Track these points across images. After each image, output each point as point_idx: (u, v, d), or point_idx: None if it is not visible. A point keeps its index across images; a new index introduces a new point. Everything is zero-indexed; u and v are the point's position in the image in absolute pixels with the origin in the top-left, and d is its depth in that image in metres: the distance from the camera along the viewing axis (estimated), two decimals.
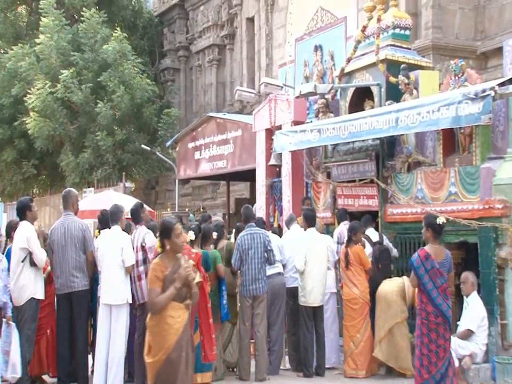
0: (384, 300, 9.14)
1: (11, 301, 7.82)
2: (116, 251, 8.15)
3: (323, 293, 9.46)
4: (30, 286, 8.02)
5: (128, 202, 15.75)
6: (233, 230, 10.42)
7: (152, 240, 8.44)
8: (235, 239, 9.79)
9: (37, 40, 22.45)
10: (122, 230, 8.52)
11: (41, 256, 8.06)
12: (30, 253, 8.01)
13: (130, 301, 8.27)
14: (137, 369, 8.28)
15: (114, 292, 8.12)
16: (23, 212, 8.28)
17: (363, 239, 9.75)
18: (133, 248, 8.48)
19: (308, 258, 9.34)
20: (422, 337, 7.25)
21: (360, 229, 9.45)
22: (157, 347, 5.61)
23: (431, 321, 7.17)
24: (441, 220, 7.36)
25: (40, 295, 8.17)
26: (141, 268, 8.39)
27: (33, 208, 8.39)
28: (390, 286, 9.20)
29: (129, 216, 9.03)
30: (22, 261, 7.99)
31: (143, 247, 8.45)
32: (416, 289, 7.65)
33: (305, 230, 9.77)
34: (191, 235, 8.52)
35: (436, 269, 7.16)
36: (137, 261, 8.43)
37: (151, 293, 5.63)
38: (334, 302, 10.05)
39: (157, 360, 5.62)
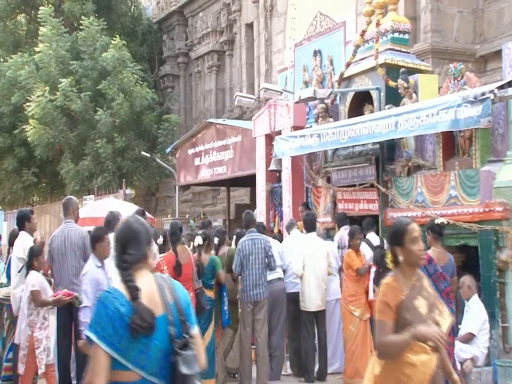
0: None
1: None
2: (112, 258, 8.12)
3: (323, 298, 9.44)
4: None
5: (128, 209, 15.75)
6: (234, 237, 10.41)
7: (152, 248, 8.40)
8: (235, 246, 9.79)
9: (36, 49, 22.48)
10: None
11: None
12: None
13: None
14: None
15: None
16: (23, 223, 8.28)
17: (364, 243, 9.74)
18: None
19: (305, 263, 9.34)
20: None
21: (357, 234, 9.39)
22: None
23: None
24: (439, 220, 7.39)
25: None
26: None
27: (32, 220, 8.39)
28: None
29: None
30: (19, 271, 7.98)
31: None
32: None
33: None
34: (198, 240, 8.53)
35: (439, 273, 7.16)
36: None
37: (380, 328, 4.00)
38: (340, 308, 9.98)
39: None
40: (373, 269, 9.21)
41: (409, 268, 4.12)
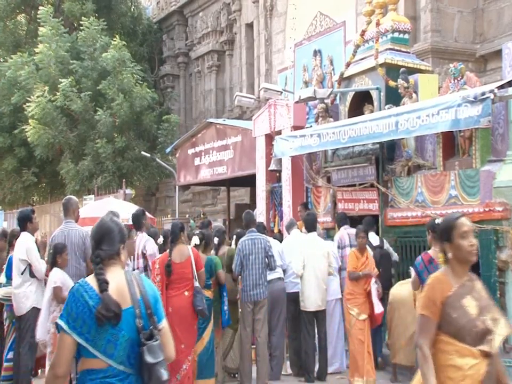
0: (405, 306, 9.02)
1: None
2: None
3: (323, 298, 9.43)
4: (32, 296, 7.97)
5: (128, 209, 15.74)
6: (234, 237, 10.41)
7: (152, 247, 8.41)
8: (235, 246, 9.78)
9: (36, 50, 22.47)
10: None
11: (40, 268, 8.00)
12: (30, 265, 7.99)
13: None
14: None
15: None
16: (24, 223, 8.24)
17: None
18: (134, 255, 8.46)
19: (306, 263, 9.33)
20: None
21: (359, 233, 9.26)
22: None
23: None
24: (439, 220, 7.39)
25: (41, 304, 8.14)
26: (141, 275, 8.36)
27: (34, 220, 8.35)
28: (407, 291, 9.05)
29: (129, 223, 9.00)
30: (22, 273, 7.97)
31: (143, 254, 8.43)
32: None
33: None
34: (195, 240, 8.51)
35: None
36: (138, 268, 8.40)
37: (422, 323, 3.83)
38: (340, 308, 9.97)
39: None
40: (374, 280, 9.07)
41: (459, 265, 3.88)
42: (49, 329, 7.44)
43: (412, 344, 8.97)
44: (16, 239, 8.38)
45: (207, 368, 8.36)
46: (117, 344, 3.37)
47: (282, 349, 9.75)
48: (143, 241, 8.54)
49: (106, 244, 3.55)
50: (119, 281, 3.48)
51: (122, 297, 3.42)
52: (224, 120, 17.60)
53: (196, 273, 8.10)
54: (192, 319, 7.94)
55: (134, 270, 8.47)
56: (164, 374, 3.42)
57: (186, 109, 26.94)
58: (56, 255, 7.62)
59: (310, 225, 9.75)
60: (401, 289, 9.21)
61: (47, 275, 8.43)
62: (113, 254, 3.57)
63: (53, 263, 7.64)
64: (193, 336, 7.97)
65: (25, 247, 7.97)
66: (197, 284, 8.05)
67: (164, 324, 3.56)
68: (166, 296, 7.75)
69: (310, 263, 9.34)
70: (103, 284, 3.39)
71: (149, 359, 3.37)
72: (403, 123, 9.00)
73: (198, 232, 9.11)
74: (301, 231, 10.28)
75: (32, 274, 7.98)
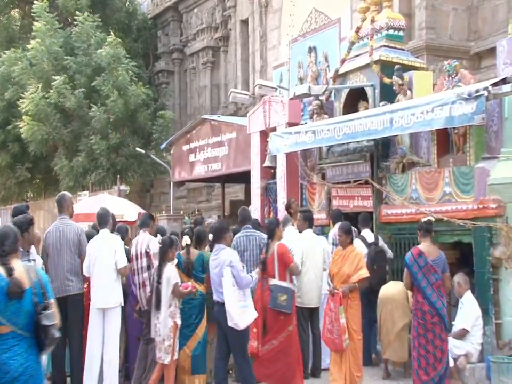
0: (393, 302, 9.05)
1: None
2: (109, 254, 8.11)
3: (318, 295, 9.43)
4: None
5: (122, 206, 15.72)
6: None
7: (156, 246, 8.43)
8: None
9: (29, 46, 22.39)
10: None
11: (39, 263, 7.99)
12: (29, 261, 7.96)
13: (123, 304, 8.27)
14: (137, 372, 8.26)
15: (107, 295, 8.08)
16: None
17: (358, 240, 9.72)
18: (138, 254, 8.43)
19: (304, 259, 9.32)
20: (418, 338, 7.29)
21: (339, 230, 9.10)
22: None
23: (427, 321, 7.21)
24: (426, 218, 7.57)
25: None
26: (145, 274, 8.33)
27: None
28: (396, 288, 9.09)
29: (124, 220, 8.99)
30: None
31: (147, 253, 8.39)
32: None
33: (300, 231, 9.77)
34: (186, 240, 8.49)
35: (430, 265, 7.24)
36: (141, 267, 8.36)
37: None
38: None
39: None
40: None
41: None
42: (166, 324, 7.67)
43: (400, 339, 9.02)
44: None
45: (200, 364, 8.35)
46: (19, 315, 4.55)
47: None
48: (146, 240, 8.51)
49: (9, 241, 4.71)
50: (19, 269, 4.66)
51: (22, 280, 4.58)
52: (219, 117, 17.56)
53: (277, 270, 8.22)
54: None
55: (137, 269, 8.46)
56: (56, 333, 4.64)
57: (181, 105, 26.91)
58: (167, 249, 7.84)
59: (308, 222, 9.74)
60: (392, 286, 9.25)
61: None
62: (14, 250, 4.75)
63: (163, 258, 7.83)
64: (278, 326, 8.15)
65: None
66: (274, 282, 8.20)
67: (52, 301, 4.75)
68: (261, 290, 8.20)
69: (308, 260, 9.32)
70: (10, 271, 4.57)
71: (46, 322, 4.58)
72: (398, 120, 9.01)
73: (187, 230, 9.11)
74: (296, 228, 10.27)
75: None
